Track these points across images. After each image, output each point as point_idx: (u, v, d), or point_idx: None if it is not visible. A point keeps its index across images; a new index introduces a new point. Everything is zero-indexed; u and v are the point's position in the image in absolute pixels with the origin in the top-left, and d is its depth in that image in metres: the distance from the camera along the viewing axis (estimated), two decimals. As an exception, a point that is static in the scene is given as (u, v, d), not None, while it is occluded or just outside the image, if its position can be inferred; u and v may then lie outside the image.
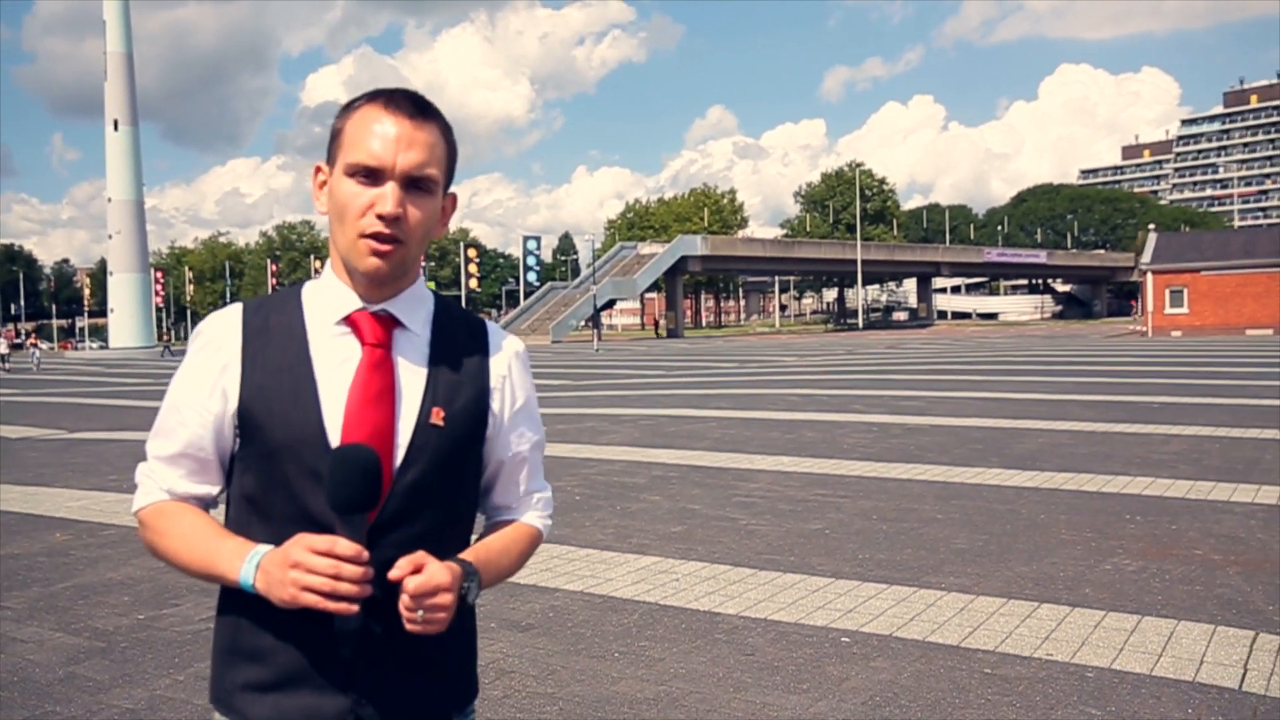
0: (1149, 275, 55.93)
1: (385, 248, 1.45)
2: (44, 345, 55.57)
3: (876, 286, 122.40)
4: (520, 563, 1.66)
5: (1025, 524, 7.34)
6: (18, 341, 71.44)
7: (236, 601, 1.49)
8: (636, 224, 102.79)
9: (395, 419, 1.48)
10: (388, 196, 1.44)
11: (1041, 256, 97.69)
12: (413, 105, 1.49)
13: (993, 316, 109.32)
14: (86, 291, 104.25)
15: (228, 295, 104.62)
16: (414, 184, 1.47)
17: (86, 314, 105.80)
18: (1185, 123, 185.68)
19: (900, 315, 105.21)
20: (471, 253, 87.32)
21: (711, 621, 5.24)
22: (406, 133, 1.46)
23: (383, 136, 1.45)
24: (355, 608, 1.35)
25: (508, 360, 1.63)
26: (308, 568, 1.33)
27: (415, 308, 1.56)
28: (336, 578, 1.33)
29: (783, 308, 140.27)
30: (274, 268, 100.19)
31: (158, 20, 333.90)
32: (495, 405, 1.60)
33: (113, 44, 75.15)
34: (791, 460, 10.56)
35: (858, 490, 8.82)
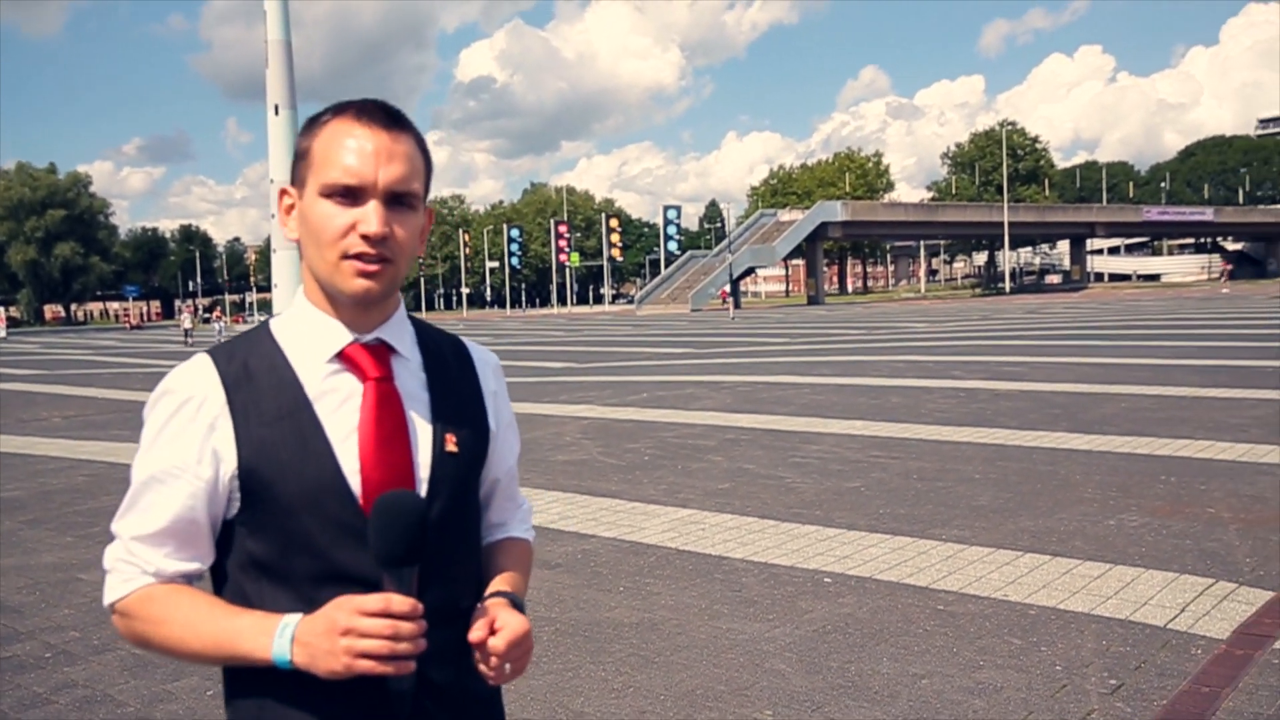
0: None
1: (373, 267, 1.34)
2: (226, 319, 59.08)
3: (1029, 249, 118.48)
4: (529, 580, 1.64)
5: (1055, 483, 7.70)
6: (206, 316, 76.11)
7: (255, 680, 1.36)
8: (780, 190, 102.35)
9: (413, 454, 1.40)
10: (372, 216, 1.32)
11: (1208, 214, 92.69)
12: (386, 116, 1.37)
13: (1155, 278, 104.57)
14: (253, 268, 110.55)
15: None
16: (397, 200, 1.35)
17: (255, 289, 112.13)
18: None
19: (1054, 278, 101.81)
20: (614, 223, 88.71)
21: (716, 564, 5.91)
22: (385, 145, 1.34)
23: (360, 151, 1.33)
24: (413, 666, 1.26)
25: (491, 373, 1.58)
26: (361, 632, 1.22)
27: (403, 332, 1.47)
28: (395, 638, 1.23)
29: (933, 272, 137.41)
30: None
31: (323, 4, 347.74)
32: (491, 422, 1.54)
33: (272, 32, 79.16)
34: (863, 424, 11.03)
35: (912, 452, 9.27)
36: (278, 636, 1.27)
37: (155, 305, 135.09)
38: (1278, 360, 16.24)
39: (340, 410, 1.38)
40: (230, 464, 1.35)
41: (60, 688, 4.37)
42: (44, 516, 7.86)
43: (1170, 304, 45.45)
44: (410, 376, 1.45)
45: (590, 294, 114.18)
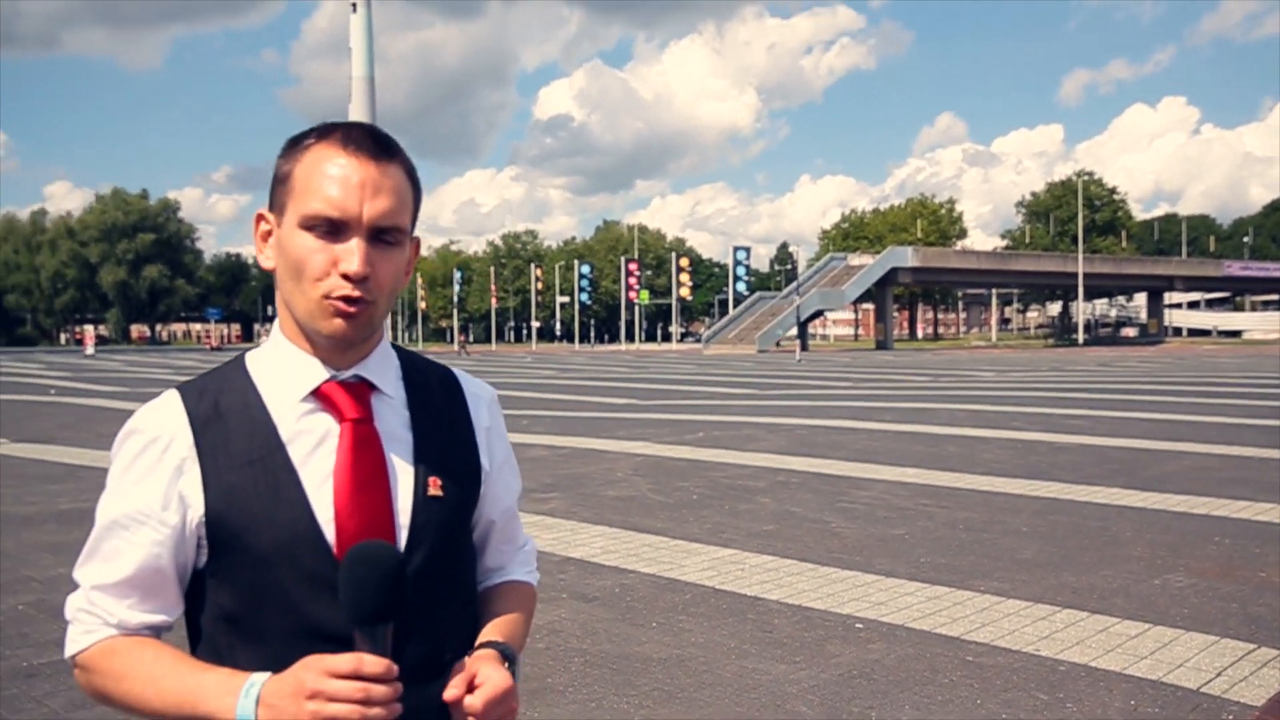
0: None
1: (352, 309, 1.26)
2: None
3: (1105, 301, 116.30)
4: (529, 628, 1.54)
5: (1104, 540, 7.62)
6: None
7: None
8: (852, 234, 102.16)
9: (393, 500, 1.31)
10: (354, 254, 1.24)
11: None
12: (375, 144, 1.29)
13: (1236, 334, 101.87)
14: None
15: (455, 300, 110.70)
16: (381, 235, 1.27)
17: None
18: None
19: (1130, 331, 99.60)
20: (684, 262, 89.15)
21: (750, 604, 5.96)
22: (372, 177, 1.26)
23: (344, 182, 1.25)
24: None
25: (485, 408, 1.48)
26: (329, 695, 1.13)
27: (385, 367, 1.39)
28: (366, 702, 1.14)
29: (1005, 321, 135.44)
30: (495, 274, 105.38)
31: (407, 40, 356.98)
32: (484, 461, 1.45)
33: (357, 69, 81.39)
34: (916, 472, 10.98)
35: (961, 502, 9.22)
36: (243, 696, 1.18)
37: (236, 328, 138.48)
38: (1354, 424, 15.78)
39: (315, 453, 1.30)
40: (197, 510, 1.27)
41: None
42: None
43: (1248, 361, 44.28)
44: (392, 415, 1.36)
45: (659, 332, 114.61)
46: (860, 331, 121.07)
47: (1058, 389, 25.65)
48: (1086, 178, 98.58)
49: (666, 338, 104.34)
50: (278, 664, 1.21)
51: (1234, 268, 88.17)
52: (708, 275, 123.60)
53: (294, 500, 1.27)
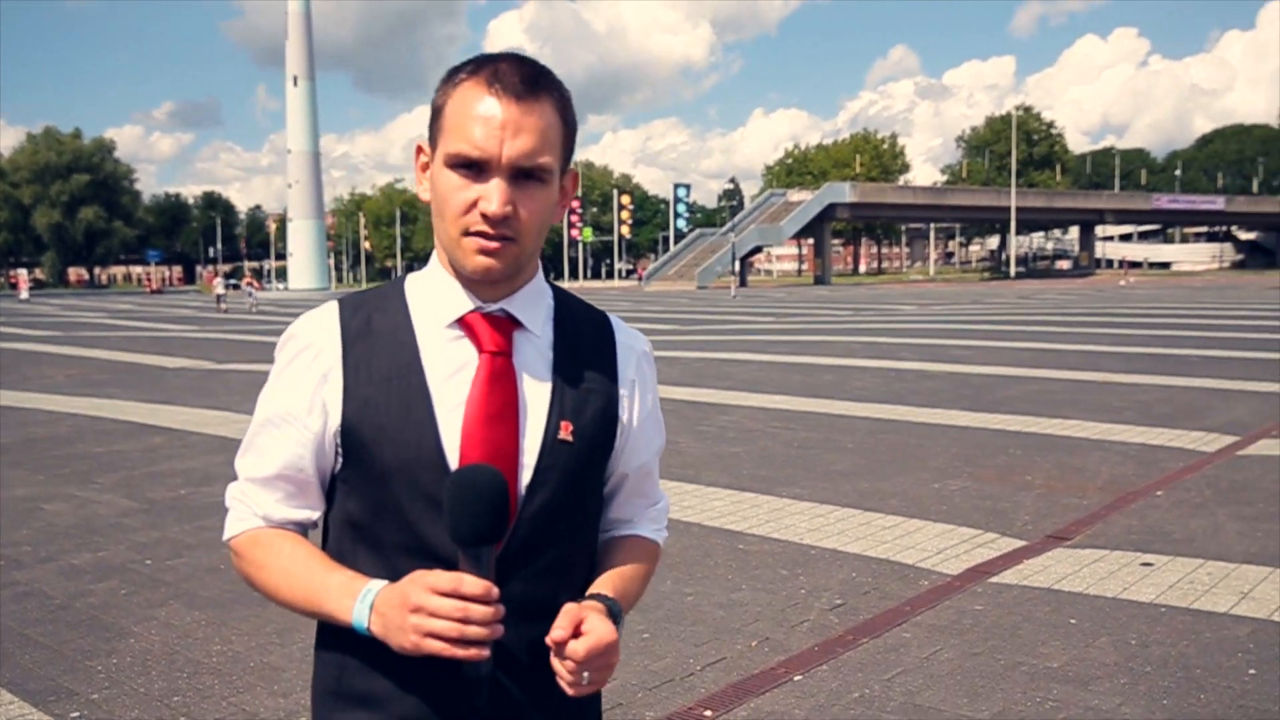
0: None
1: (494, 245, 1.28)
2: (259, 286, 55.29)
3: (1041, 234, 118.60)
4: (646, 586, 1.53)
5: (913, 454, 8.68)
6: (233, 282, 75.63)
7: (341, 639, 1.34)
8: (796, 170, 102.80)
9: (520, 437, 1.33)
10: (493, 195, 1.26)
11: (1219, 203, 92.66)
12: (521, 82, 1.27)
13: (1165, 266, 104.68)
14: (273, 236, 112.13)
15: (399, 240, 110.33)
16: (525, 175, 1.28)
17: (274, 257, 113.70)
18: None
19: (1064, 264, 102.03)
20: (625, 200, 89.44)
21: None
22: (514, 118, 1.26)
23: (486, 122, 1.26)
24: (486, 653, 1.21)
25: (635, 360, 1.47)
26: (430, 611, 1.18)
27: (535, 305, 1.39)
28: (464, 621, 1.18)
29: (949, 255, 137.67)
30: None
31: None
32: (624, 414, 1.44)
33: (293, 3, 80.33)
34: (782, 399, 12.01)
35: (806, 424, 10.26)
36: (359, 601, 1.25)
37: (177, 270, 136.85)
38: (1198, 349, 17.09)
39: (452, 380, 1.33)
40: (335, 419, 1.33)
41: (3, 586, 5.45)
42: (24, 459, 8.95)
43: (1163, 292, 46.04)
44: (535, 354, 1.38)
45: (605, 269, 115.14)
46: (804, 267, 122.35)
47: (965, 322, 26.89)
48: (1023, 112, 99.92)
49: (612, 275, 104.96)
50: (392, 573, 1.27)
51: (1163, 201, 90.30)
52: (654, 212, 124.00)
53: (422, 421, 1.31)
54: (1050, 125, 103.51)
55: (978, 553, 5.84)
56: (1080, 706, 3.81)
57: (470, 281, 1.34)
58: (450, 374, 1.33)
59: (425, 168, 1.36)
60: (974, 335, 21.54)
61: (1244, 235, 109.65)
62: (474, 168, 1.27)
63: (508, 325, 1.36)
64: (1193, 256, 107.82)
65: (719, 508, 6.89)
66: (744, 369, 15.47)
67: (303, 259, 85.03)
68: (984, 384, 13.14)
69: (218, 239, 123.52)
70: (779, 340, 21.30)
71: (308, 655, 4.41)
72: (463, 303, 1.35)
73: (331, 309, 1.38)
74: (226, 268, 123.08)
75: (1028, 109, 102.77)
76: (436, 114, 1.32)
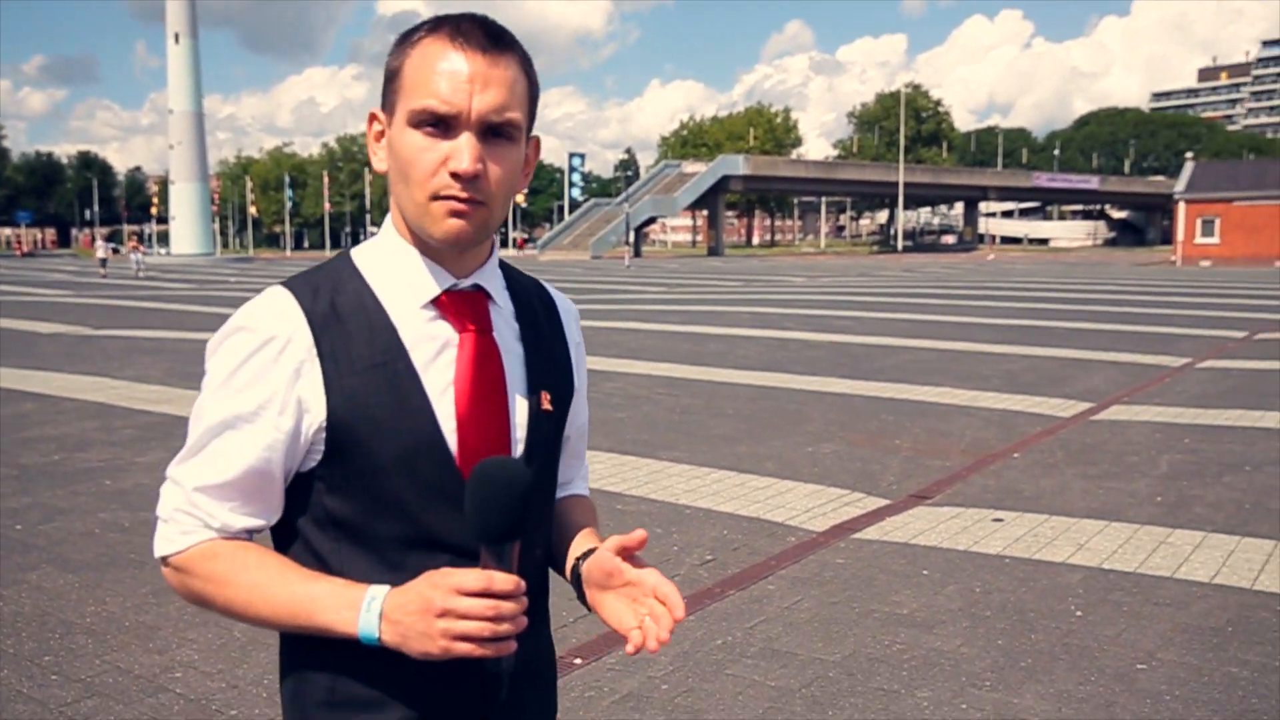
0: (1181, 204, 55.96)
1: (464, 207, 1.22)
2: (144, 250, 51.94)
3: (928, 210, 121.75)
4: None
5: (791, 419, 8.99)
6: (115, 246, 72.54)
7: (328, 648, 1.23)
8: (691, 141, 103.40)
9: (510, 413, 1.30)
10: (463, 151, 1.20)
11: (1093, 182, 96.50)
12: (485, 35, 1.23)
13: (1045, 242, 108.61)
14: (155, 199, 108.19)
15: (288, 205, 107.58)
16: (494, 132, 1.22)
17: (155, 220, 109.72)
18: (1266, 44, 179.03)
19: (949, 239, 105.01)
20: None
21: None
22: (481, 70, 1.21)
23: (452, 75, 1.20)
24: (514, 646, 1.16)
25: (574, 324, 1.48)
26: (461, 613, 1.12)
27: (497, 278, 1.37)
28: (497, 619, 1.12)
29: (840, 228, 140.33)
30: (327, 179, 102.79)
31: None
32: (576, 378, 1.45)
33: (173, -43, 77.16)
34: (668, 366, 12.25)
35: (690, 390, 10.51)
36: (364, 611, 1.16)
37: (50, 233, 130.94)
38: (1065, 322, 17.93)
39: (435, 362, 1.27)
40: (318, 415, 1.23)
41: None
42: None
43: (1038, 267, 47.85)
44: (506, 328, 1.35)
45: (500, 238, 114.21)
46: (699, 238, 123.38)
47: (851, 294, 27.59)
48: (913, 89, 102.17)
49: (506, 244, 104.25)
50: (389, 571, 1.22)
51: (1042, 179, 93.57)
52: (549, 181, 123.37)
53: (419, 408, 1.25)
54: (938, 104, 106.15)
55: (844, 511, 6.14)
56: (925, 648, 4.10)
57: (436, 252, 1.28)
58: (432, 356, 1.27)
59: (380, 136, 1.29)
60: (858, 307, 22.16)
61: (1116, 214, 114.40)
62: (441, 124, 1.21)
63: (482, 300, 1.31)
64: (1069, 233, 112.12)
65: (600, 470, 7.07)
66: (633, 337, 15.68)
67: (186, 223, 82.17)
68: (863, 353, 13.60)
69: (94, 201, 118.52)
70: (669, 310, 21.58)
71: (185, 613, 4.49)
72: (436, 280, 1.29)
73: (282, 295, 1.26)
74: (105, 231, 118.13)
75: (917, 86, 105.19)
76: (393, 76, 1.25)
